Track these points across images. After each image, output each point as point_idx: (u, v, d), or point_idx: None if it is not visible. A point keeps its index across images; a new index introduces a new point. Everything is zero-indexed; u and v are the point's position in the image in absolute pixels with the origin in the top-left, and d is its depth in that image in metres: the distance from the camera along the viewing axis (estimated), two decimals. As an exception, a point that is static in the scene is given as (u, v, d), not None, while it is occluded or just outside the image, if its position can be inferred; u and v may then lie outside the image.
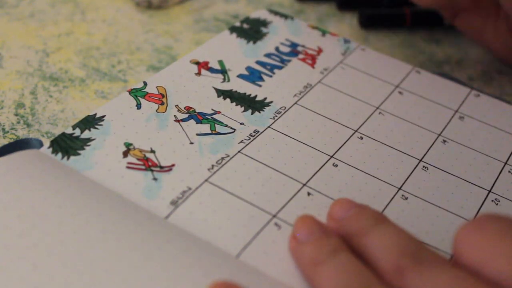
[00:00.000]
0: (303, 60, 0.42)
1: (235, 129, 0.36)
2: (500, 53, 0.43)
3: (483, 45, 0.44)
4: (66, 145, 0.33)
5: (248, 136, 0.35)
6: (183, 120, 0.36)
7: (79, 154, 0.33)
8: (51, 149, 0.33)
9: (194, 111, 0.36)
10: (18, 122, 0.37)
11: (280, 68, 0.41)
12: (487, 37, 0.43)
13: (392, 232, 0.28)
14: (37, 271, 0.27)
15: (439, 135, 0.38)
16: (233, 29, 0.44)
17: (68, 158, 0.32)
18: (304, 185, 0.33)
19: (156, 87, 0.38)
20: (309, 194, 0.33)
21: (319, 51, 0.43)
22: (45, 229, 0.28)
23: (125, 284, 0.27)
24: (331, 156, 0.35)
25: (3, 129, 0.36)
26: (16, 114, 0.37)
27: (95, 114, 0.35)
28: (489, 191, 0.34)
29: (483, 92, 0.41)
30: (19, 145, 0.33)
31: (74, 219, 0.29)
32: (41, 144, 0.33)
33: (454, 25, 0.44)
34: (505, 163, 0.36)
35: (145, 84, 0.38)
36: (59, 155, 0.32)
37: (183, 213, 0.30)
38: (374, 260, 0.27)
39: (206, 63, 0.40)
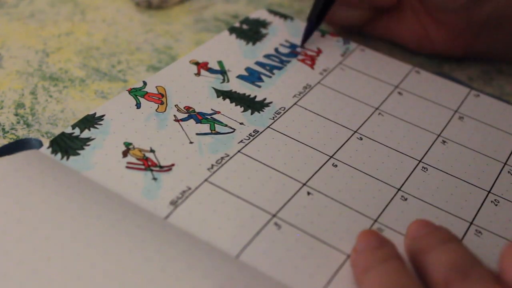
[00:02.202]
0: (302, 61, 0.42)
1: (234, 129, 0.36)
2: (410, 43, 0.45)
3: (394, 41, 0.46)
4: (65, 145, 0.33)
5: (247, 136, 0.35)
6: (183, 119, 0.36)
7: (78, 154, 0.33)
8: (50, 149, 0.33)
9: (194, 110, 0.36)
10: (18, 122, 0.37)
11: (279, 69, 0.41)
12: (395, 31, 0.45)
13: (453, 249, 0.28)
14: (36, 273, 0.27)
15: (439, 135, 0.38)
16: (232, 30, 0.44)
17: (67, 158, 0.32)
18: (304, 184, 0.33)
19: (156, 86, 0.38)
20: (309, 193, 0.33)
21: (319, 52, 0.43)
22: (45, 230, 0.28)
23: (126, 284, 0.27)
24: (331, 156, 0.35)
25: (3, 129, 0.36)
26: (16, 114, 0.37)
27: (95, 113, 0.35)
28: (489, 191, 0.34)
29: (483, 92, 0.41)
30: (19, 145, 0.33)
31: (73, 221, 0.29)
32: (41, 144, 0.33)
33: (364, 31, 0.46)
34: (505, 164, 0.36)
35: (145, 83, 0.38)
36: (59, 155, 0.32)
37: (182, 213, 0.30)
38: (428, 273, 0.27)
39: (206, 64, 0.40)
